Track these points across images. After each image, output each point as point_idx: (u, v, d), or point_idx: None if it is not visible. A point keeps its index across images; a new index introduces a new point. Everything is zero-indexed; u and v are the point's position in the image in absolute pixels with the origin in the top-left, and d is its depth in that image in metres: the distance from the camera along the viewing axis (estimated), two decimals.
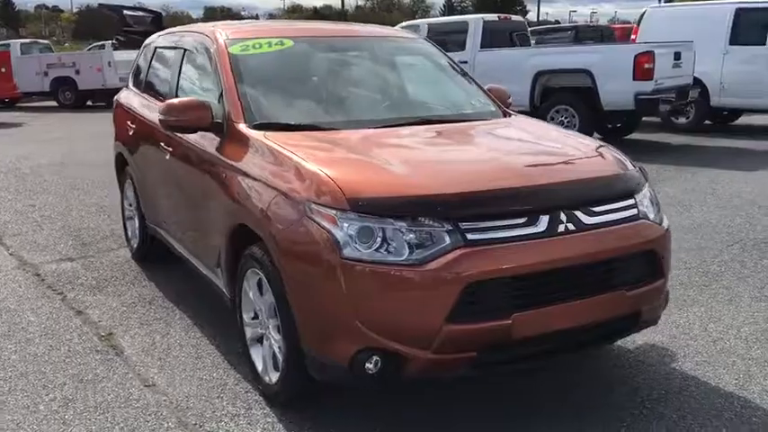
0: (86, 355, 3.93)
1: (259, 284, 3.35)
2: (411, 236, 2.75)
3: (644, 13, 13.01)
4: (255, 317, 3.47)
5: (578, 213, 2.95)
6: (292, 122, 3.64)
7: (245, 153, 3.47)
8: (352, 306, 2.76)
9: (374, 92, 4.19)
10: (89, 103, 21.20)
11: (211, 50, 4.13)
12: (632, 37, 13.22)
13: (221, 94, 3.83)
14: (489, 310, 2.76)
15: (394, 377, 2.84)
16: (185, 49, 4.60)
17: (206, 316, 4.40)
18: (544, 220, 2.87)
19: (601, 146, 3.61)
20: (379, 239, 2.76)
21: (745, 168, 9.05)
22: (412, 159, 3.21)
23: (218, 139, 3.74)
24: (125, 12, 23.51)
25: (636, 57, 9.87)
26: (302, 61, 4.25)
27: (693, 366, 3.67)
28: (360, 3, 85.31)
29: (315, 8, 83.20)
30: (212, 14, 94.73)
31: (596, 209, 3.01)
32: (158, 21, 24.66)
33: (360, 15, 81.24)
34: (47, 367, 3.79)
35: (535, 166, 3.19)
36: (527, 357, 2.98)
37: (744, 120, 13.41)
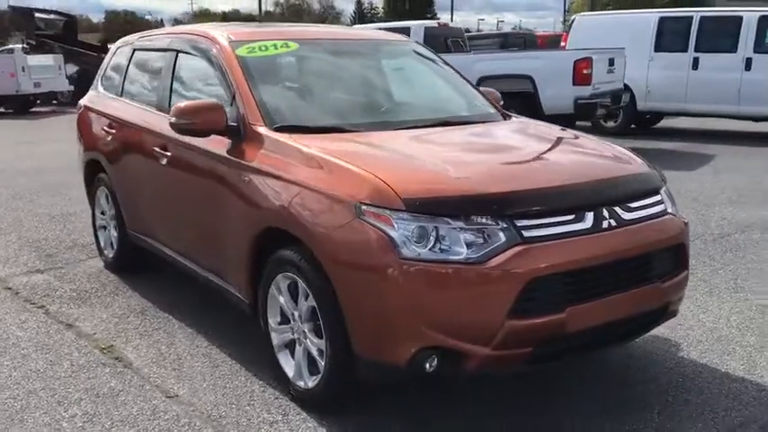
0: (94, 369, 3.76)
1: (290, 288, 3.30)
2: (467, 234, 2.79)
3: (573, 20, 13.54)
4: (283, 322, 3.42)
5: (618, 210, 3.06)
6: (314, 125, 3.61)
7: (272, 156, 3.41)
8: (411, 306, 2.77)
9: (387, 94, 4.20)
10: (1, 109, 20.20)
11: (213, 52, 4.04)
12: (562, 44, 13.71)
13: (233, 97, 3.75)
14: (546, 304, 2.83)
15: (451, 374, 2.88)
16: (177, 51, 4.47)
17: (209, 324, 4.28)
18: (590, 217, 2.97)
19: (617, 146, 3.76)
20: (432, 239, 2.79)
21: (682, 168, 9.52)
22: (454, 159, 3.23)
23: (231, 142, 3.67)
24: (36, 14, 22.55)
25: (575, 62, 10.21)
26: (312, 63, 4.22)
27: (699, 355, 3.86)
28: (269, 8, 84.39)
29: (223, 13, 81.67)
30: (115, 18, 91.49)
31: (632, 205, 3.14)
32: (72, 25, 23.81)
33: (270, 21, 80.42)
34: (55, 383, 3.61)
35: (575, 164, 3.28)
36: (575, 350, 3.07)
37: (664, 123, 14.13)
